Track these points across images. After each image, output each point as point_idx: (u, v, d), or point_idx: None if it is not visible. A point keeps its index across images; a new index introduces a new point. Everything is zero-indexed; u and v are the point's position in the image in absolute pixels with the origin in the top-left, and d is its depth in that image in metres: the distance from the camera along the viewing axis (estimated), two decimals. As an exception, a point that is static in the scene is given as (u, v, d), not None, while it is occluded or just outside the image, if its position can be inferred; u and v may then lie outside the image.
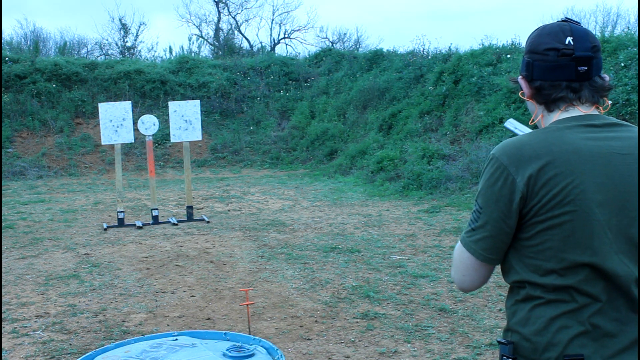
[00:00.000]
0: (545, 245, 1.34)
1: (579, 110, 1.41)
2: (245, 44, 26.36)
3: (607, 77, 1.44)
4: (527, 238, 1.37)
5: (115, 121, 8.30)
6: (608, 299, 1.34)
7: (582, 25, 1.42)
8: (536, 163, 1.33)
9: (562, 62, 1.38)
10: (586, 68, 1.38)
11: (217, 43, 26.00)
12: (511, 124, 1.74)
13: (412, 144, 11.93)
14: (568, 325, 1.34)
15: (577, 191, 1.31)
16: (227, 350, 2.18)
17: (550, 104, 1.43)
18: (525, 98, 1.49)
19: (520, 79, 1.48)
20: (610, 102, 1.52)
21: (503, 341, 1.42)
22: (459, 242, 1.49)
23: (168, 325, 4.48)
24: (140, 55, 23.33)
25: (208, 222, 8.47)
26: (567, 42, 1.37)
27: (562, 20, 1.44)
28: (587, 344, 1.33)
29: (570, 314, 1.34)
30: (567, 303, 1.34)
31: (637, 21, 16.15)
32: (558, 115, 1.42)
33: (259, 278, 5.66)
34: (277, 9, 39.56)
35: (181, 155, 13.81)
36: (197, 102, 9.01)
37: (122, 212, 8.27)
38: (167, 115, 9.30)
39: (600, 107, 1.44)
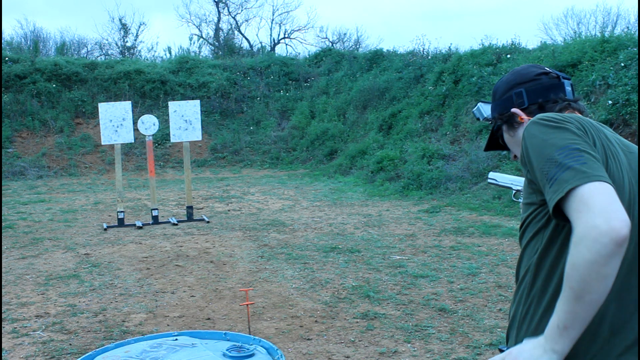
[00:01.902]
0: None
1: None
2: (245, 44, 26.39)
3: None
4: None
5: (115, 121, 8.30)
6: (618, 292, 1.32)
7: None
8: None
9: (554, 82, 1.50)
10: (570, 89, 1.51)
11: (217, 43, 26.01)
12: (481, 110, 1.71)
13: (412, 144, 11.93)
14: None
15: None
16: (227, 350, 2.18)
17: None
18: (526, 119, 1.50)
19: (515, 110, 1.51)
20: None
21: (504, 349, 1.36)
22: (578, 188, 1.13)
23: (168, 325, 4.48)
24: (140, 55, 23.36)
25: (208, 222, 8.47)
26: (548, 69, 1.52)
27: None
28: (596, 341, 1.31)
29: None
30: None
31: (637, 21, 16.16)
32: None
33: (259, 278, 5.66)
34: (277, 9, 39.64)
35: (181, 155, 13.81)
36: (197, 102, 9.01)
37: (122, 212, 8.27)
38: (167, 115, 9.30)
39: None
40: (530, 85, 1.50)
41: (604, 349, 1.31)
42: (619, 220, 1.07)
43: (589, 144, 1.23)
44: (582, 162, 1.16)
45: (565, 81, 1.52)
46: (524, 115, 1.50)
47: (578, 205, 1.11)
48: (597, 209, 1.08)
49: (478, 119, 1.74)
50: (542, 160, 1.22)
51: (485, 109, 1.70)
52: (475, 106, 1.75)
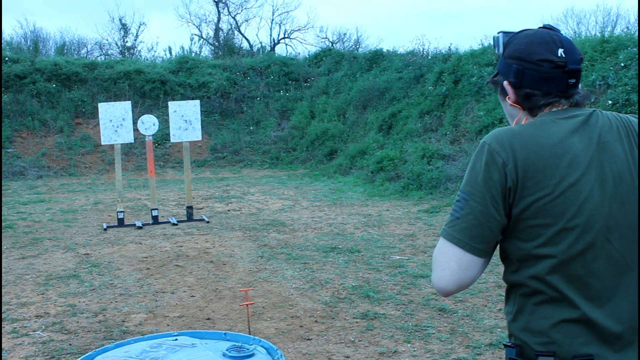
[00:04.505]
0: (539, 226, 1.32)
1: (561, 108, 1.43)
2: (245, 44, 26.36)
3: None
4: (523, 226, 1.34)
5: (115, 121, 8.30)
6: (606, 293, 1.33)
7: (562, 33, 1.46)
8: (527, 155, 1.31)
9: (555, 74, 1.39)
10: (574, 80, 1.41)
11: (217, 43, 25.99)
12: (499, 42, 1.59)
13: (412, 144, 11.93)
14: (570, 325, 1.32)
15: (565, 184, 1.30)
16: (227, 350, 2.18)
17: (535, 110, 1.44)
18: (510, 102, 1.47)
19: (506, 84, 1.46)
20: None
21: (510, 344, 1.38)
22: (440, 239, 1.39)
23: (168, 325, 4.48)
24: (140, 56, 23.33)
25: (208, 222, 8.47)
26: (559, 54, 1.39)
27: (546, 28, 1.45)
28: (592, 342, 1.32)
29: (571, 311, 1.32)
30: (567, 302, 1.32)
31: (637, 21, 16.16)
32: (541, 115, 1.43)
33: (259, 278, 5.66)
34: (277, 9, 39.61)
35: (181, 155, 13.81)
36: (197, 102, 9.01)
37: (122, 212, 8.26)
38: (167, 115, 9.30)
39: None
40: (529, 68, 1.41)
41: (602, 348, 1.32)
42: (440, 285, 1.38)
43: (493, 195, 1.32)
44: (463, 223, 1.34)
45: (567, 74, 1.40)
46: (511, 95, 1.46)
47: (437, 252, 1.40)
48: (437, 268, 1.39)
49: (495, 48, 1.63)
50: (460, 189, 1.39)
51: (502, 44, 1.57)
52: (497, 35, 1.63)
